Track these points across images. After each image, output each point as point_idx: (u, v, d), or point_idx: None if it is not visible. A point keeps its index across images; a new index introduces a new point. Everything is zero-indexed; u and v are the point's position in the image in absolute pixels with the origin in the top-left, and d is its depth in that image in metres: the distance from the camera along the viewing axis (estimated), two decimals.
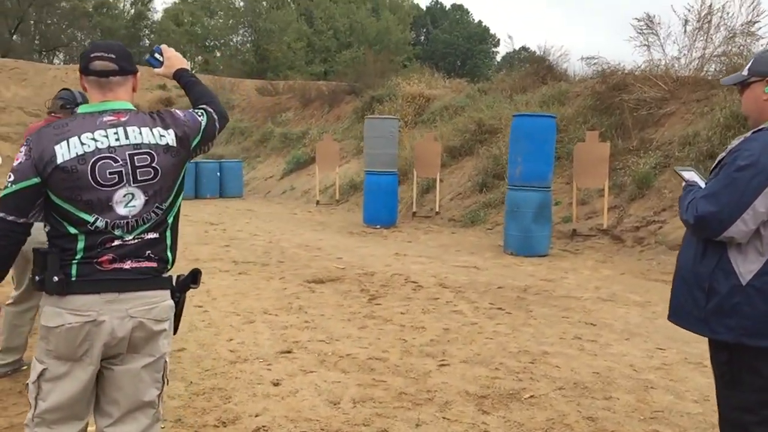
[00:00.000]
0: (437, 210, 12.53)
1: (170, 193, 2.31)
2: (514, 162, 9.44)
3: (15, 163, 2.18)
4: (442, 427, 3.61)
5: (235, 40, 54.95)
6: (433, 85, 18.64)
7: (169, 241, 2.34)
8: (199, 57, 53.75)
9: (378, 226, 11.65)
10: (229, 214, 13.23)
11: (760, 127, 2.37)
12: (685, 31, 12.40)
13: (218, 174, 16.80)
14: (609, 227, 9.83)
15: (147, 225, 2.25)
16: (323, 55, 52.68)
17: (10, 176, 2.16)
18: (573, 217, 10.25)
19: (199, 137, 2.39)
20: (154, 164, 2.24)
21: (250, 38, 53.29)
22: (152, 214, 2.26)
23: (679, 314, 2.55)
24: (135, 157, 2.21)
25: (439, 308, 6.19)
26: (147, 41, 52.52)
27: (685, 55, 12.36)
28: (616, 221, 9.93)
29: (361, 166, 14.41)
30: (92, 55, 2.28)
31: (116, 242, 2.19)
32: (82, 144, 2.17)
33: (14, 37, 45.84)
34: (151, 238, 2.26)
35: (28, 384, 2.23)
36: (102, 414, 2.29)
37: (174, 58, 2.64)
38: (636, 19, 13.25)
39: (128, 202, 2.20)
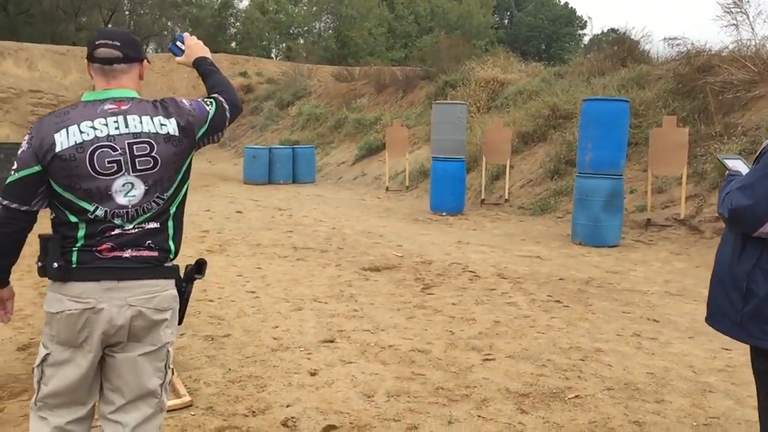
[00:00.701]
0: (507, 197, 12.23)
1: (172, 183, 2.28)
2: (583, 148, 9.05)
3: (19, 151, 2.20)
4: (475, 426, 3.47)
5: (318, 26, 55.67)
6: (509, 69, 18.18)
7: (171, 231, 2.31)
8: (283, 44, 54.76)
9: (444, 214, 11.47)
10: (298, 200, 13.34)
11: None
12: None
13: (291, 160, 16.96)
14: (687, 217, 9.31)
15: (148, 215, 2.23)
16: (404, 41, 52.64)
17: (13, 164, 2.20)
18: (648, 206, 9.75)
19: (206, 127, 2.36)
20: (153, 153, 2.22)
21: (332, 25, 53.82)
22: (153, 204, 2.24)
23: (715, 317, 2.33)
24: (134, 146, 2.19)
25: (493, 300, 6.00)
26: (233, 30, 53.90)
27: None
28: (695, 211, 9.39)
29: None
30: (97, 43, 2.27)
31: (116, 231, 2.19)
32: (81, 132, 2.16)
33: (108, 26, 47.88)
34: (151, 228, 2.24)
35: (34, 368, 2.28)
36: (105, 401, 2.30)
37: (195, 47, 2.63)
38: None
39: (128, 192, 2.19)
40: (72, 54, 27.62)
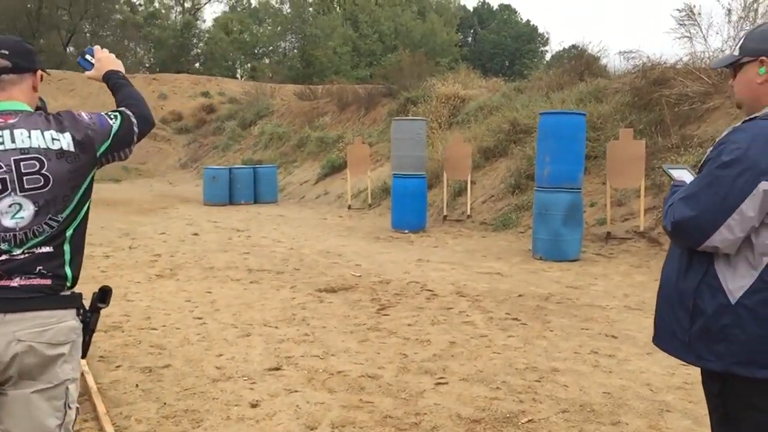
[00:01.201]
0: (469, 213, 12.13)
1: (68, 203, 2.08)
2: (542, 162, 8.99)
3: None
4: None
5: (283, 46, 55.68)
6: (470, 85, 18.21)
7: (67, 257, 2.08)
8: (248, 64, 54.55)
9: (406, 231, 11.32)
10: (258, 221, 13.09)
11: (752, 116, 1.97)
12: (729, 20, 11.75)
13: (252, 179, 16.70)
14: (646, 229, 9.28)
15: (39, 238, 2.02)
16: (369, 59, 52.78)
17: None
18: (607, 219, 9.72)
19: (108, 142, 2.18)
20: (43, 171, 2.03)
21: (296, 44, 53.86)
22: (45, 227, 2.03)
23: (662, 337, 2.18)
24: (21, 163, 2.01)
25: (450, 319, 5.83)
26: (197, 50, 53.52)
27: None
28: (654, 223, 9.36)
29: None
30: None
31: (3, 257, 1.98)
32: None
33: (68, 49, 47.16)
34: (43, 253, 2.03)
35: None
36: None
37: (105, 60, 2.49)
38: (677, 9, 12.63)
39: (15, 213, 2.00)
40: None
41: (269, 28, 56.78)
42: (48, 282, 2.03)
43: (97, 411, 3.69)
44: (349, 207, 14.75)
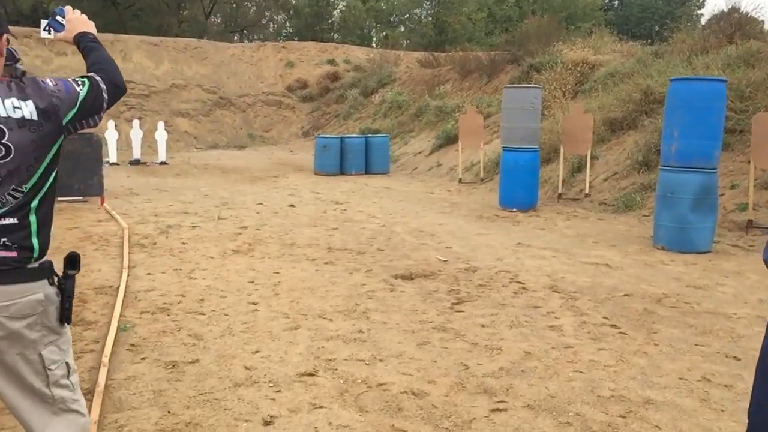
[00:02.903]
0: (587, 192, 10.95)
1: (32, 173, 2.03)
2: (669, 137, 7.72)
3: None
4: None
5: (418, 13, 55.04)
6: (601, 49, 16.62)
7: (34, 227, 2.05)
8: (383, 33, 54.29)
9: (514, 210, 10.37)
10: (362, 193, 12.57)
11: None
12: None
13: (364, 149, 16.22)
14: None
15: (4, 209, 1.99)
16: (504, 26, 50.83)
17: None
18: (749, 205, 8.29)
19: (75, 110, 2.11)
20: (4, 141, 1.97)
21: (431, 11, 53.07)
22: (8, 197, 1.99)
23: None
24: None
25: (534, 321, 4.97)
26: (332, 19, 53.86)
27: None
28: None
29: None
30: None
31: None
32: None
33: (210, 18, 48.92)
34: (7, 224, 2.00)
35: None
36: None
37: (76, 21, 2.37)
38: None
39: None
40: (164, 45, 28.08)
41: None
42: (14, 254, 2.00)
43: (90, 416, 3.24)
44: (460, 180, 13.90)
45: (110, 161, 16.85)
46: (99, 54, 2.29)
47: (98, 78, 2.19)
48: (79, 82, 2.15)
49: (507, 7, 52.76)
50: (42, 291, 2.07)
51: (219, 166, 17.30)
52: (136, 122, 17.97)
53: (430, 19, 52.58)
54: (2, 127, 1.96)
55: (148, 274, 6.17)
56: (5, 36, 2.12)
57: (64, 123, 2.09)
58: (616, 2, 59.69)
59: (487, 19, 51.96)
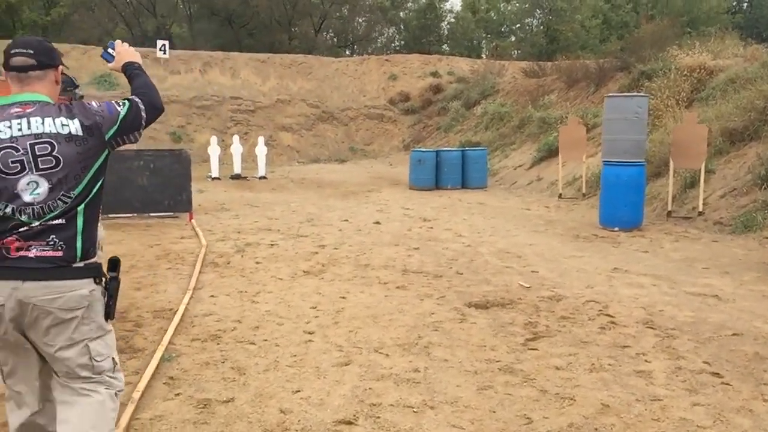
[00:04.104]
0: (701, 210, 9.92)
1: (79, 182, 2.37)
2: None
3: None
4: None
5: (529, 23, 54.07)
6: (722, 54, 15.28)
7: (79, 229, 2.38)
8: (493, 43, 53.50)
9: (615, 229, 9.53)
10: (453, 209, 12.05)
11: None
12: None
13: (460, 163, 15.68)
14: None
15: (54, 212, 2.33)
16: (620, 32, 48.81)
17: None
18: None
19: (116, 127, 2.46)
20: (54, 153, 2.33)
21: (543, 20, 51.94)
22: (59, 202, 2.34)
23: None
24: (36, 146, 2.31)
25: (619, 365, 4.31)
26: (440, 31, 53.66)
27: None
28: None
29: None
30: (12, 52, 2.42)
31: (23, 228, 2.31)
32: None
33: (320, 35, 49.90)
34: (56, 225, 2.33)
35: None
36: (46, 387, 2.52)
37: (124, 53, 2.79)
38: None
39: (33, 190, 2.31)
40: (271, 61, 28.74)
41: (517, 4, 55.45)
42: (60, 254, 2.34)
43: None
44: (560, 196, 13.09)
45: (212, 176, 17.25)
46: (142, 80, 2.68)
47: (138, 100, 2.55)
48: (120, 104, 2.52)
49: (623, 13, 50.79)
50: (87, 288, 2.39)
51: (316, 181, 17.30)
52: (236, 137, 18.31)
53: (542, 27, 51.40)
54: (53, 141, 2.33)
55: (212, 296, 5.97)
56: (60, 67, 2.54)
57: (106, 138, 2.45)
58: (745, 4, 55.95)
59: (602, 25, 50.23)
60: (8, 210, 2.28)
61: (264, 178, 17.62)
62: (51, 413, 2.50)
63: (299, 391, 3.89)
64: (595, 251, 8.13)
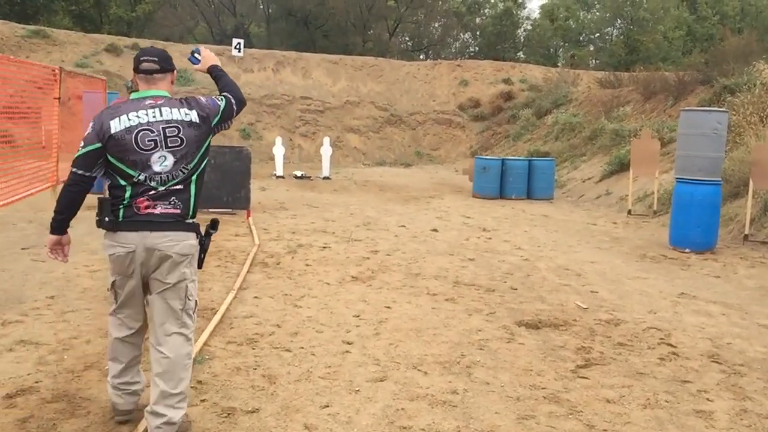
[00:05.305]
0: None
1: (194, 158, 3.08)
2: None
3: (85, 134, 3.02)
4: None
5: (609, 32, 52.74)
6: None
7: (192, 193, 3.09)
8: (570, 52, 52.40)
9: (686, 251, 8.99)
10: (515, 220, 11.69)
11: None
12: None
13: (527, 173, 15.25)
14: None
15: (176, 180, 3.02)
16: (705, 44, 46.98)
17: (81, 143, 2.99)
18: None
19: (218, 117, 3.20)
20: (180, 135, 3.03)
21: (623, 30, 50.53)
22: (180, 172, 3.03)
23: None
24: (166, 129, 3.01)
25: (677, 401, 3.96)
26: (516, 38, 52.88)
27: None
28: None
29: None
30: (141, 59, 3.12)
31: (152, 191, 2.98)
32: (129, 120, 2.98)
33: (394, 38, 49.87)
34: (177, 189, 3.04)
35: (107, 289, 3.23)
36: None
37: (208, 57, 3.48)
38: None
39: (162, 162, 2.99)
40: (343, 63, 28.85)
41: (597, 13, 54.20)
42: (178, 211, 3.03)
43: None
44: (629, 212, 12.52)
45: (277, 174, 17.34)
46: (227, 79, 3.40)
47: (230, 96, 3.29)
48: (220, 98, 3.26)
49: (709, 25, 48.93)
50: (193, 240, 3.10)
51: (379, 184, 17.16)
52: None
53: (621, 37, 49.98)
54: (179, 126, 3.03)
55: (255, 297, 5.87)
56: (175, 71, 3.27)
57: (212, 125, 3.18)
58: None
59: (685, 37, 48.54)
60: (141, 177, 2.95)
61: (327, 178, 17.59)
62: (141, 340, 3.29)
63: (328, 406, 3.71)
64: (662, 273, 7.67)
